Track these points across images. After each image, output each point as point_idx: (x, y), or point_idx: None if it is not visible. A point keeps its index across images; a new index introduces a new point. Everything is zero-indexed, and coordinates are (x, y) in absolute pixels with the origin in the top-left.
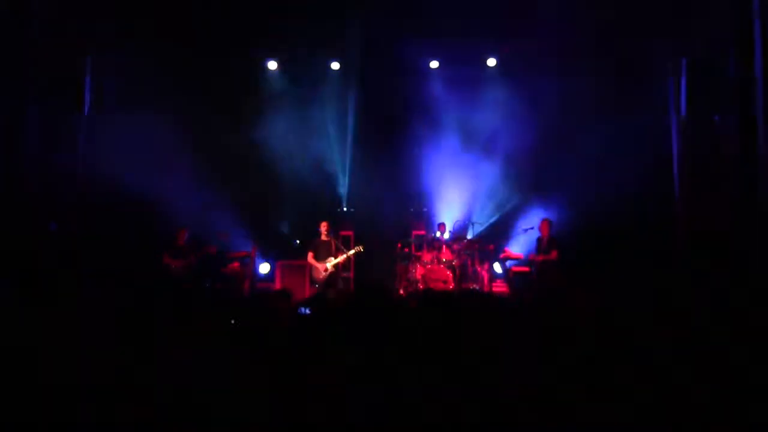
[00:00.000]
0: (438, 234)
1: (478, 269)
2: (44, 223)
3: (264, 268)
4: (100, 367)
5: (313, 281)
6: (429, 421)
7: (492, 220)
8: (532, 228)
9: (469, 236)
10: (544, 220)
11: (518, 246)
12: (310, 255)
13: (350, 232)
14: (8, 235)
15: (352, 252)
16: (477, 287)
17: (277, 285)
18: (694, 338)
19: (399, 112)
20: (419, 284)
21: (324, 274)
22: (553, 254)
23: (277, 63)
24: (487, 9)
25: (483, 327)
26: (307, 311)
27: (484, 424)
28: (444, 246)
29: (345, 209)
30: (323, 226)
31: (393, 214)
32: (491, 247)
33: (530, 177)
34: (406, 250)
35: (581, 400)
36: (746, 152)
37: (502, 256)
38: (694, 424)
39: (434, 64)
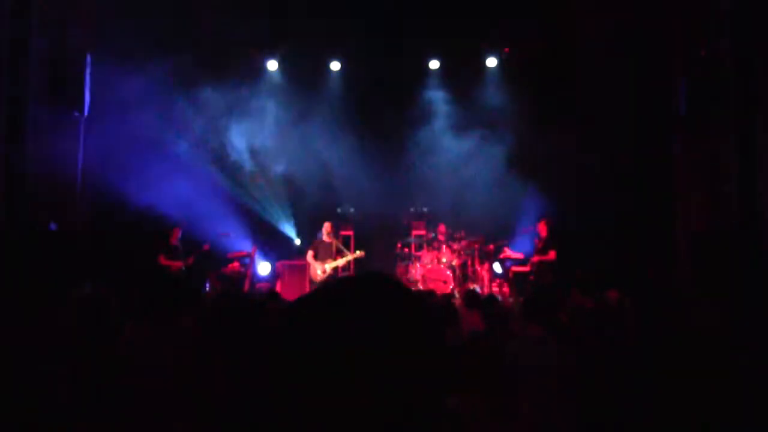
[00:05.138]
0: (438, 234)
1: (478, 269)
2: (44, 223)
3: (264, 268)
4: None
5: (311, 281)
6: None
7: (492, 219)
8: (531, 228)
9: (469, 236)
10: (543, 220)
11: (518, 246)
12: (310, 254)
13: (350, 232)
14: (8, 235)
15: (352, 256)
16: (477, 287)
17: (277, 285)
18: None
19: (400, 113)
20: (419, 284)
21: (322, 275)
22: (551, 254)
23: (277, 63)
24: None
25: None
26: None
27: None
28: (444, 246)
29: (345, 209)
30: (326, 227)
31: (393, 214)
32: (491, 247)
33: (530, 176)
34: (406, 250)
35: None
36: (745, 152)
37: (502, 256)
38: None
39: (434, 64)
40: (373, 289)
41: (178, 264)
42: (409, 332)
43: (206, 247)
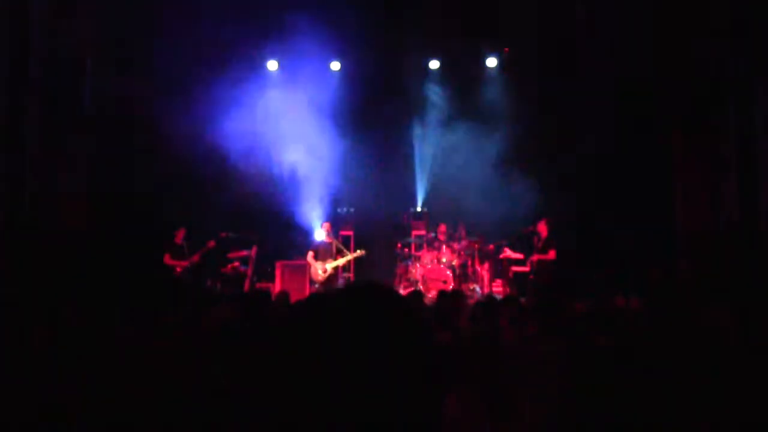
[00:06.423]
0: (438, 234)
1: (478, 269)
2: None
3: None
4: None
5: (311, 281)
6: None
7: (492, 219)
8: (532, 228)
9: (469, 236)
10: (543, 220)
11: (518, 246)
12: (310, 254)
13: (350, 232)
14: (9, 234)
15: (352, 256)
16: (477, 287)
17: (277, 285)
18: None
19: (399, 113)
20: (419, 284)
21: (322, 275)
22: (551, 254)
23: (277, 63)
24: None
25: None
26: None
27: None
28: (444, 246)
29: (345, 209)
30: (325, 227)
31: (393, 214)
32: (491, 247)
33: (530, 176)
34: (406, 250)
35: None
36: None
37: (501, 256)
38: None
39: (434, 64)
40: (365, 297)
41: (184, 263)
42: (398, 337)
43: (212, 243)
